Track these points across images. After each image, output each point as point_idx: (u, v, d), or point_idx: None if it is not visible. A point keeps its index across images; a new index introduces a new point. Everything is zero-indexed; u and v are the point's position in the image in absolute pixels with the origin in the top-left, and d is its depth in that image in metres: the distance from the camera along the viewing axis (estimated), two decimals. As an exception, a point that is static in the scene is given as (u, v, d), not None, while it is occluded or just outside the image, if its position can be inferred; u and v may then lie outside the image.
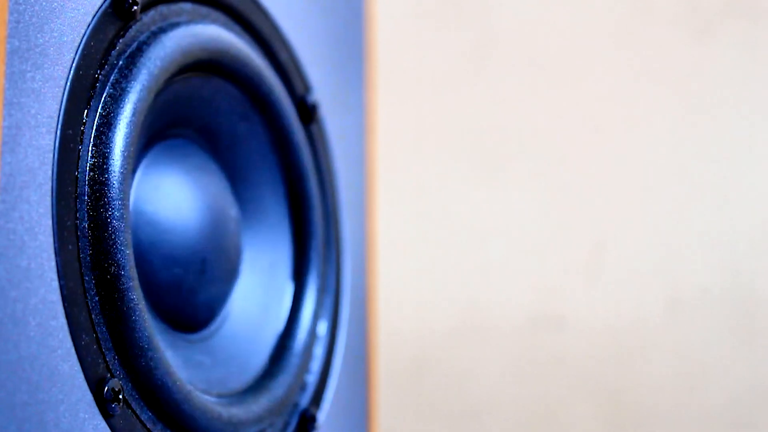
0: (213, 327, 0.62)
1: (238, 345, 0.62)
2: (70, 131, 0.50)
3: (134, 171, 0.56)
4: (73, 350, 0.48)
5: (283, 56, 0.67)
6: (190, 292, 0.60)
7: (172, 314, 0.59)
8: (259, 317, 0.64)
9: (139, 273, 0.55)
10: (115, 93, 0.52)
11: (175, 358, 0.57)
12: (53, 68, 0.48)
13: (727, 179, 1.24)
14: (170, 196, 0.59)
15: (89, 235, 0.50)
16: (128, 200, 0.52)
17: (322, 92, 0.71)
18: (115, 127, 0.52)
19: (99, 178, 0.51)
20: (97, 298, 0.50)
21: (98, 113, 0.52)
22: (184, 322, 0.60)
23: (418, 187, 1.31)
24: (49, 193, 0.48)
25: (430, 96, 1.32)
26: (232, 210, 0.64)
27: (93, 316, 0.50)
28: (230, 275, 0.63)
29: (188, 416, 0.55)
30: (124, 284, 0.51)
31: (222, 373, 0.60)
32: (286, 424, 0.64)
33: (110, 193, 0.51)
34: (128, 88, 0.53)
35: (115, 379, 0.50)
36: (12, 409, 0.44)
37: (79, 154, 0.50)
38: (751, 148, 1.24)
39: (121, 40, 0.54)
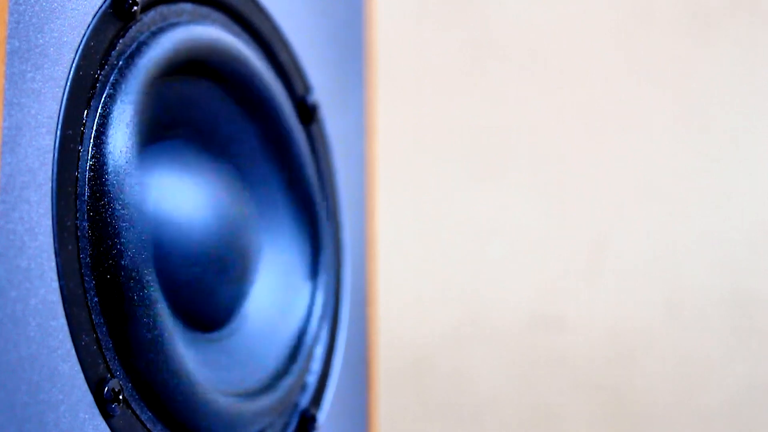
0: (218, 328, 0.62)
1: (243, 346, 0.62)
2: (70, 131, 0.50)
3: (135, 171, 0.56)
4: (73, 350, 0.48)
5: (283, 57, 0.67)
6: (201, 291, 0.60)
7: (186, 313, 0.59)
8: (260, 319, 0.64)
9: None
10: (115, 93, 0.52)
11: (177, 358, 0.56)
12: (53, 68, 0.48)
13: (727, 179, 1.24)
14: (171, 196, 0.59)
15: (89, 235, 0.50)
16: (129, 200, 0.52)
17: (322, 92, 0.71)
18: (115, 127, 0.52)
19: (99, 179, 0.51)
20: (97, 299, 0.50)
21: (98, 113, 0.52)
22: (196, 322, 0.60)
23: (418, 187, 1.31)
24: (49, 193, 0.48)
25: (430, 96, 1.32)
26: (240, 209, 0.64)
27: (93, 316, 0.50)
28: (241, 276, 0.63)
29: (188, 416, 0.55)
30: (123, 285, 0.51)
31: (224, 374, 0.60)
32: (286, 425, 0.64)
33: (110, 193, 0.51)
34: (128, 89, 0.53)
35: (115, 379, 0.50)
36: (12, 409, 0.44)
37: (79, 154, 0.50)
38: (752, 148, 1.24)
39: (121, 41, 0.54)
